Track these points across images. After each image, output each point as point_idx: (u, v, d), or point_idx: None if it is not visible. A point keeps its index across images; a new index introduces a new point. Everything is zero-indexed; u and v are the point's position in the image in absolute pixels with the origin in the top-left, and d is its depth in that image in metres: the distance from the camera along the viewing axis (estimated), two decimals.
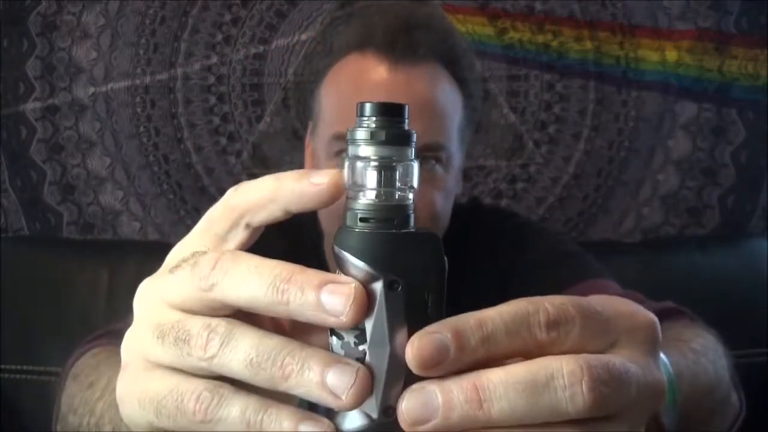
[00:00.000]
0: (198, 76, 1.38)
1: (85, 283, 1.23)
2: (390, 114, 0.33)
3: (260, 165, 1.38)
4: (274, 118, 1.37)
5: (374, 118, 0.32)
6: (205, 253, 0.34)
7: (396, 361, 0.31)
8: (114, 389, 0.54)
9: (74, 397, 0.63)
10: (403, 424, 0.31)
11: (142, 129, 1.39)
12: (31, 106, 1.38)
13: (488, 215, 1.03)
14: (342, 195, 0.33)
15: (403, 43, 0.83)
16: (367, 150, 0.32)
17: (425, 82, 0.84)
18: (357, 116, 0.33)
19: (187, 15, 1.38)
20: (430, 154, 0.83)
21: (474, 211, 1.04)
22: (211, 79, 1.38)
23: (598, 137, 1.39)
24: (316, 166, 0.89)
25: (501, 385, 0.30)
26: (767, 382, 1.19)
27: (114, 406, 0.52)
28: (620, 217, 1.41)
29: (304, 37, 1.37)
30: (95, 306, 1.21)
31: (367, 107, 0.33)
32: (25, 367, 1.20)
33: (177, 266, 0.34)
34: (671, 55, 1.38)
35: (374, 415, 0.31)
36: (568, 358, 0.31)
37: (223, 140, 1.38)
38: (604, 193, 1.40)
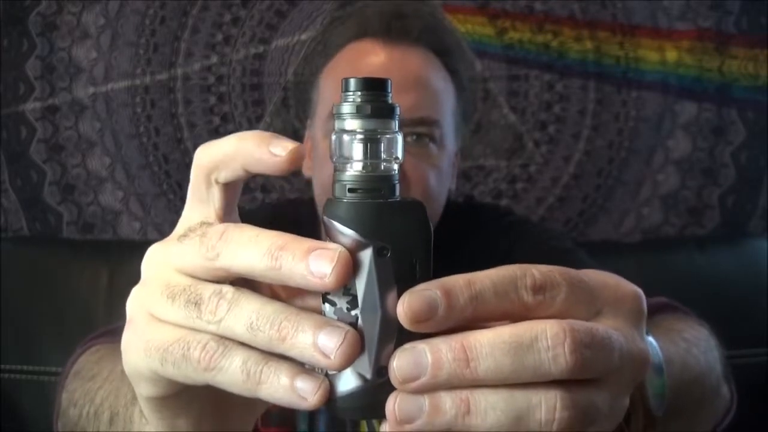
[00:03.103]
0: (198, 76, 1.38)
1: (85, 283, 1.23)
2: (374, 88, 0.34)
3: None
4: (274, 118, 1.37)
5: (359, 93, 0.34)
6: (212, 224, 0.35)
7: (387, 324, 0.33)
8: (114, 379, 0.54)
9: (75, 391, 0.63)
10: (393, 382, 0.32)
11: (142, 129, 1.39)
12: (31, 106, 1.38)
13: (483, 212, 1.04)
14: (299, 165, 0.35)
15: (396, 27, 0.87)
16: (353, 123, 0.34)
17: (419, 61, 0.87)
18: (342, 92, 0.34)
19: (187, 15, 1.38)
20: (423, 130, 0.85)
21: (469, 208, 1.05)
22: (211, 79, 1.38)
23: (598, 137, 1.39)
24: (314, 152, 0.91)
25: (488, 345, 0.31)
26: (767, 382, 1.19)
27: (113, 393, 0.53)
28: (620, 217, 1.41)
29: (304, 37, 1.37)
30: (95, 306, 1.21)
31: (352, 82, 0.34)
32: (25, 367, 1.20)
33: (185, 235, 0.35)
34: (671, 55, 1.38)
35: (368, 376, 0.33)
36: (553, 321, 0.32)
37: None
38: (604, 193, 1.40)
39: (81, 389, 0.62)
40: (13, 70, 1.38)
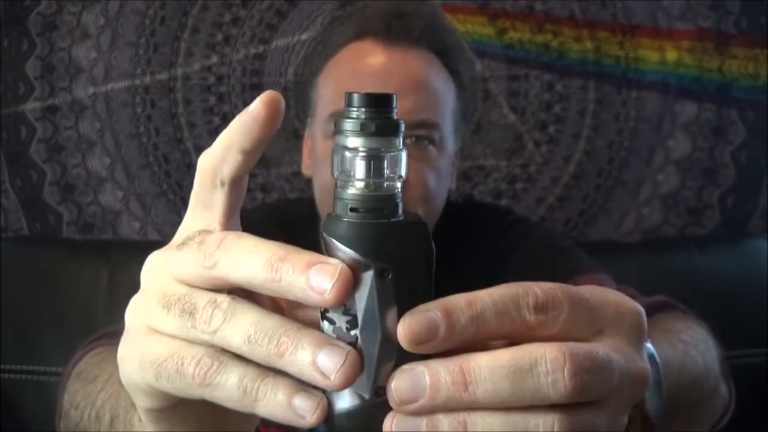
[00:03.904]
0: (198, 76, 1.38)
1: (85, 283, 1.23)
2: (378, 105, 0.33)
3: (260, 165, 1.38)
4: None
5: (363, 110, 0.33)
6: (210, 232, 0.35)
7: (387, 345, 0.32)
8: (115, 382, 0.54)
9: (77, 393, 0.63)
10: (392, 403, 0.32)
11: (142, 129, 1.39)
12: (31, 106, 1.38)
13: (483, 212, 1.04)
14: (280, 113, 0.34)
15: (397, 27, 0.87)
16: (355, 141, 0.33)
17: (419, 63, 0.87)
18: (345, 107, 0.33)
19: (187, 15, 1.38)
20: (423, 132, 0.85)
21: (469, 207, 1.05)
22: (211, 79, 1.38)
23: (598, 137, 1.39)
24: (314, 152, 0.91)
25: (486, 369, 0.31)
26: (767, 382, 1.19)
27: (114, 396, 0.53)
28: (620, 217, 1.41)
29: (304, 37, 1.37)
30: (95, 306, 1.21)
31: (355, 98, 0.33)
32: (25, 367, 1.20)
33: (184, 244, 0.35)
34: (671, 55, 1.38)
35: (366, 396, 0.32)
36: (552, 345, 0.32)
37: None
38: (604, 193, 1.40)
39: (82, 391, 0.62)
40: (13, 70, 1.38)
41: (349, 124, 0.33)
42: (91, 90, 1.38)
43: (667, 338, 0.63)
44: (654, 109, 1.39)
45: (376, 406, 0.32)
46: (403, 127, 0.34)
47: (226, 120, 1.37)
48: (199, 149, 1.38)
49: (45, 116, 1.38)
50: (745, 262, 1.30)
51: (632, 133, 1.39)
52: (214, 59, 1.38)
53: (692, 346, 0.65)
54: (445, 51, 0.90)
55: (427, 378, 0.31)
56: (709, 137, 1.40)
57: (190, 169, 1.39)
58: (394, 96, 0.34)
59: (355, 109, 0.33)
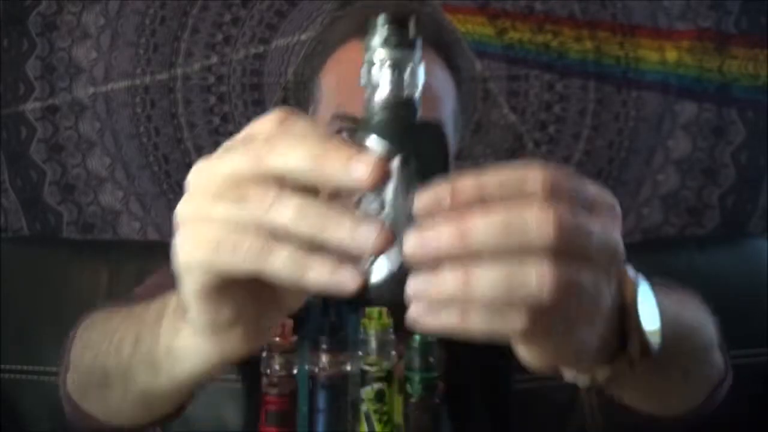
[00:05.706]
0: (198, 76, 1.38)
1: (85, 283, 1.23)
2: (400, 24, 0.41)
3: None
4: None
5: (386, 26, 0.40)
6: (255, 135, 0.39)
7: (410, 224, 0.37)
8: (133, 315, 0.55)
9: (89, 339, 0.65)
10: (405, 256, 0.36)
11: (142, 129, 1.39)
12: (31, 106, 1.38)
13: None
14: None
15: None
16: (381, 53, 0.40)
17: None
18: (371, 27, 0.41)
19: (187, 15, 1.38)
20: None
21: None
22: (211, 79, 1.38)
23: (598, 137, 1.39)
24: None
25: (481, 222, 0.35)
26: (767, 382, 1.19)
27: (137, 321, 0.54)
28: None
29: (304, 37, 1.37)
30: (95, 306, 1.21)
31: (381, 17, 0.41)
32: (25, 367, 1.20)
33: (230, 147, 0.39)
34: (671, 55, 1.38)
35: (394, 269, 0.40)
36: (540, 200, 0.36)
37: (223, 140, 1.37)
38: None
39: (96, 332, 0.64)
40: (13, 70, 1.38)
41: (376, 39, 0.40)
42: (91, 90, 1.38)
43: (663, 291, 0.63)
44: (654, 109, 1.39)
45: (402, 277, 0.37)
46: (420, 43, 0.41)
47: (226, 120, 1.37)
48: (199, 149, 1.38)
49: (45, 116, 1.38)
50: (745, 262, 1.30)
51: (632, 133, 1.39)
52: (214, 59, 1.38)
53: (687, 301, 0.67)
54: (445, 48, 0.90)
55: (431, 233, 0.35)
56: (709, 137, 1.40)
57: (190, 169, 1.39)
58: (413, 18, 0.41)
59: (380, 26, 0.40)
